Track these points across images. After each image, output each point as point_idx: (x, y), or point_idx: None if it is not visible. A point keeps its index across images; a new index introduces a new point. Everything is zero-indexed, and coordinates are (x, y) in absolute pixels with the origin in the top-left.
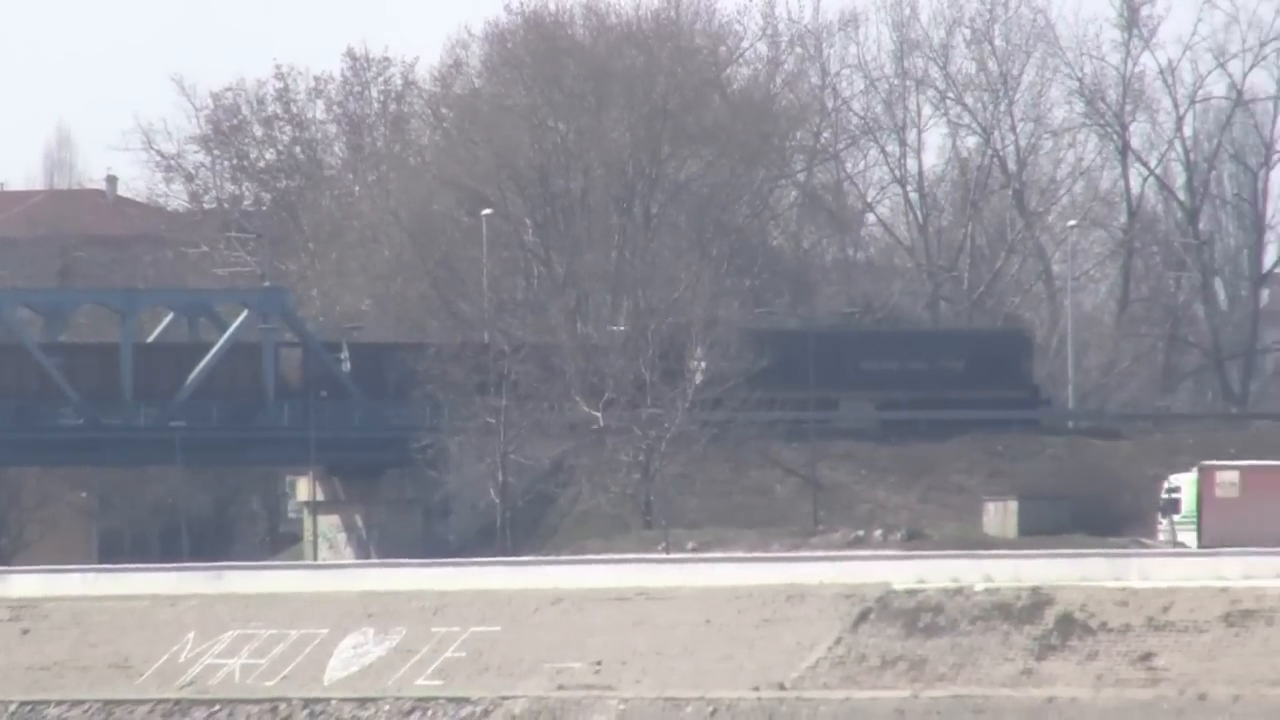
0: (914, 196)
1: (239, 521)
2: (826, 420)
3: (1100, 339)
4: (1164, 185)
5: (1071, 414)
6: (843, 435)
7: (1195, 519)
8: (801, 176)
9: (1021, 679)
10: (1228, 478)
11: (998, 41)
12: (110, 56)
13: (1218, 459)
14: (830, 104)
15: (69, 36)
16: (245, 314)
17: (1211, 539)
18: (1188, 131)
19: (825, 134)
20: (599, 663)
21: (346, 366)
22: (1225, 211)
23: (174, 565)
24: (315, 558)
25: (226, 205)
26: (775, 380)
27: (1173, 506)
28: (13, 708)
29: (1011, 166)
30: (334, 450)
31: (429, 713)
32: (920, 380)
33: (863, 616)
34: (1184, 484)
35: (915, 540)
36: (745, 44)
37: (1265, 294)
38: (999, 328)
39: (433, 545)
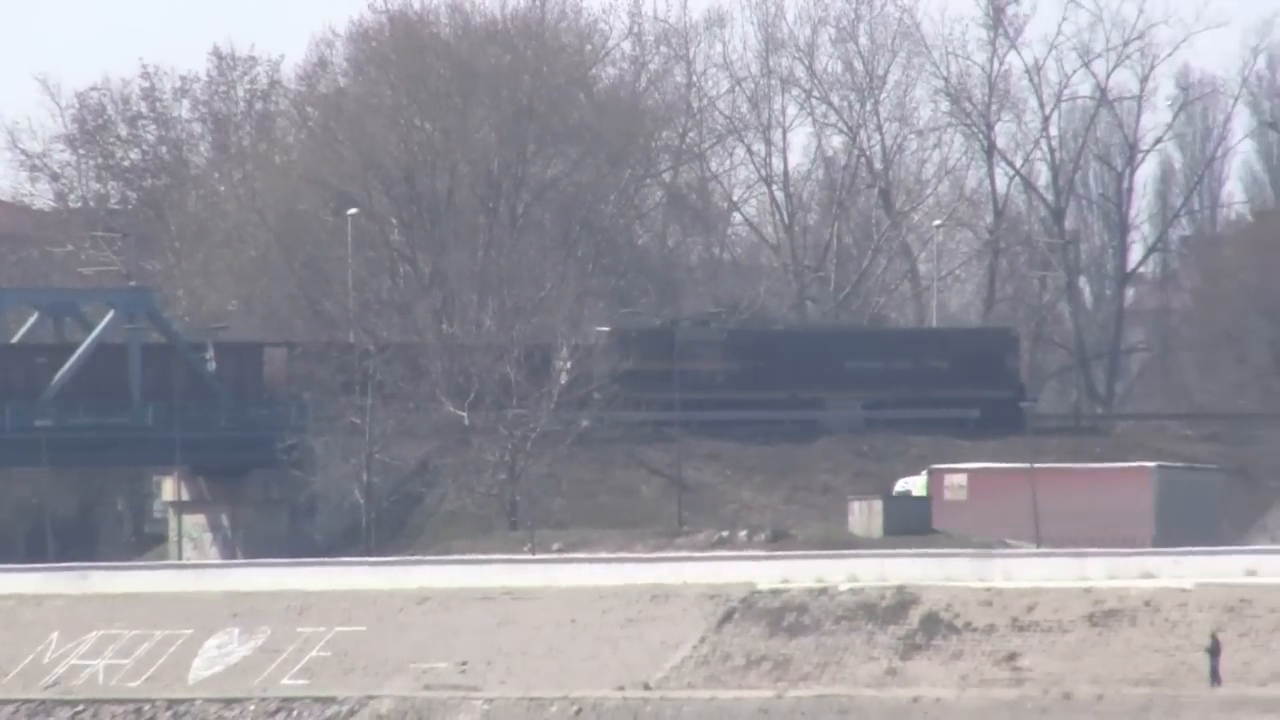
0: (780, 196)
1: (105, 522)
2: (691, 420)
3: None
4: (1029, 185)
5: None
6: (709, 435)
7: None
8: (667, 176)
9: (886, 679)
10: (956, 480)
11: (863, 41)
12: None
13: (1083, 460)
14: (696, 103)
15: None
16: (111, 314)
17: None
18: (1053, 131)
19: (691, 133)
20: (464, 662)
21: (212, 366)
22: (1091, 211)
23: (39, 565)
24: (180, 558)
25: (92, 204)
26: (757, 380)
27: None
28: None
29: (877, 166)
30: (199, 450)
31: (294, 713)
32: (905, 379)
33: (727, 616)
34: (913, 487)
35: (780, 540)
36: (611, 43)
37: (1130, 293)
38: (985, 326)
39: (298, 545)
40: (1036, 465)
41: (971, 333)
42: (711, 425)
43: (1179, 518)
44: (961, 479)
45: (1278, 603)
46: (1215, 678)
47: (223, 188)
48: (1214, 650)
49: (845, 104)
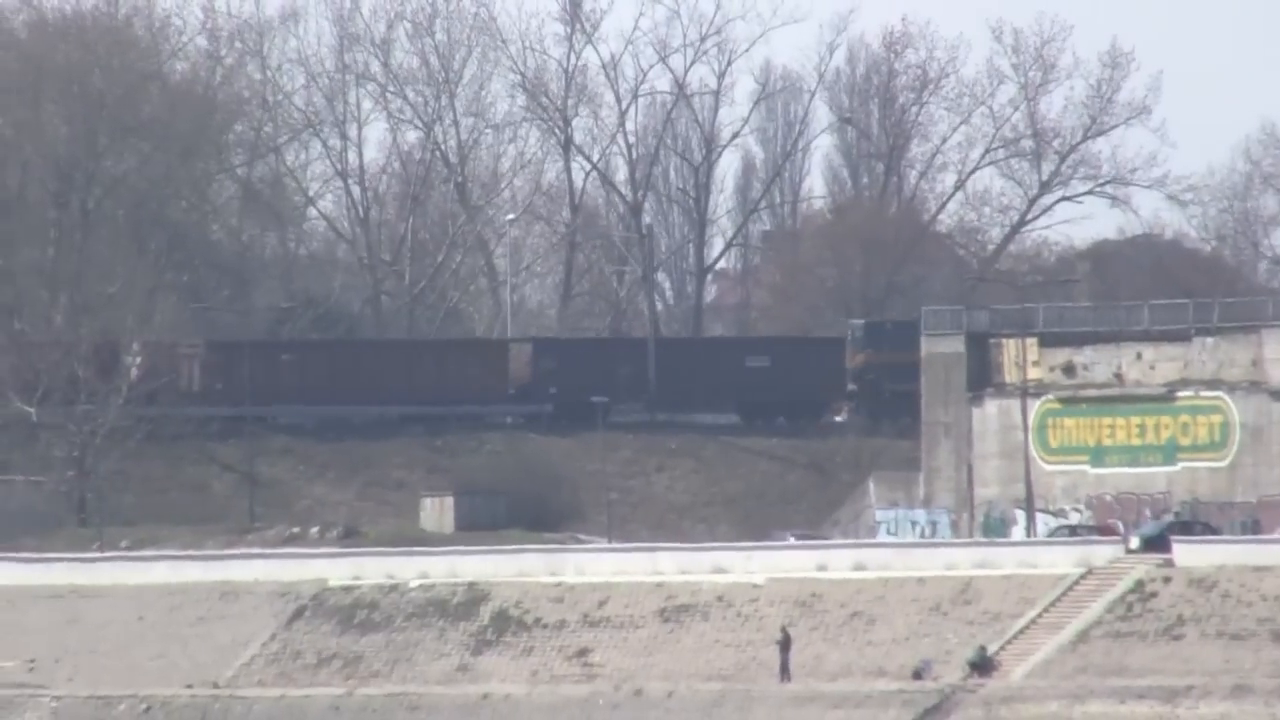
0: (355, 190)
1: None
2: (264, 417)
3: (544, 333)
4: (606, 179)
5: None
6: (281, 431)
7: None
8: (242, 171)
9: (457, 675)
10: None
11: (439, 35)
12: None
13: (656, 457)
14: (271, 98)
15: None
16: None
17: None
18: (630, 126)
19: (266, 128)
20: (32, 661)
21: None
22: (670, 206)
23: None
24: None
25: None
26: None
27: None
28: None
29: (453, 160)
30: None
31: None
32: None
33: (298, 614)
34: None
35: (352, 537)
36: (186, 38)
37: (712, 289)
38: None
39: None
40: None
41: None
42: None
43: None
44: None
45: (847, 597)
46: (785, 672)
47: None
48: (784, 645)
49: (421, 99)
